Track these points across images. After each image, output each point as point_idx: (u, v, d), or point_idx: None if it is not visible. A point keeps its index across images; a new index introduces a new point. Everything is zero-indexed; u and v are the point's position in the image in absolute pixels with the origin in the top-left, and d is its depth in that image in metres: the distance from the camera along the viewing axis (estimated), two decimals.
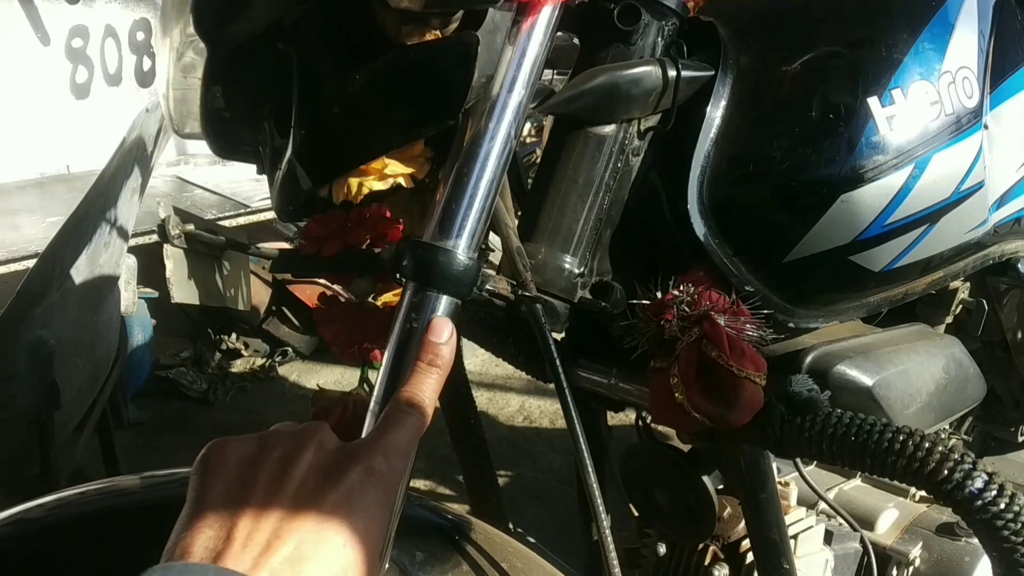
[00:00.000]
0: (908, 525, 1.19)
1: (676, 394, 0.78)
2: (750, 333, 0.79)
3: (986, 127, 0.88)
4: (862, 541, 1.15)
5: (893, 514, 1.20)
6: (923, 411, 0.93)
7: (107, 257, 1.54)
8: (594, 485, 0.74)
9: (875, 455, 0.75)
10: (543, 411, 2.94)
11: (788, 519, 1.06)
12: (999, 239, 1.01)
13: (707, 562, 1.04)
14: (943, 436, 1.17)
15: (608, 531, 0.75)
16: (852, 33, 0.83)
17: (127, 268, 1.76)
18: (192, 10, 0.67)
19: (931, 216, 0.85)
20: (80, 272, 1.45)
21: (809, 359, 0.88)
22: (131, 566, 0.69)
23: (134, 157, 1.48)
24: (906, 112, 0.81)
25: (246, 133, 0.76)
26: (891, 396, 0.89)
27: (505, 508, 1.23)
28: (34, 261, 2.22)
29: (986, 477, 0.73)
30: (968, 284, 1.08)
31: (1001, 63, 0.92)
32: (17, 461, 1.43)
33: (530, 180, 0.90)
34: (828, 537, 1.12)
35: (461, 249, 0.66)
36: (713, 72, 0.83)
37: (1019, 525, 0.72)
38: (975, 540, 1.11)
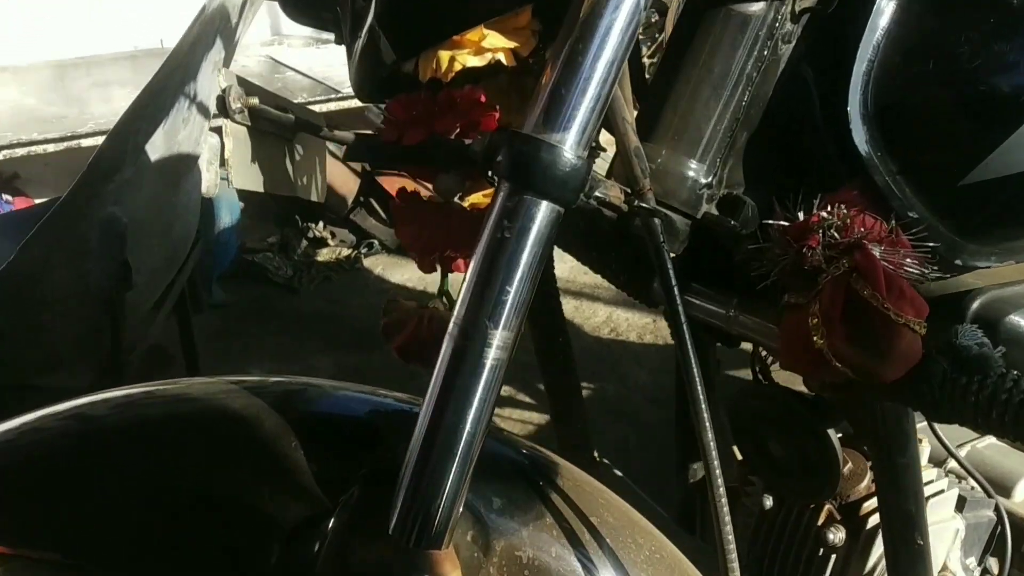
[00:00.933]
0: None
1: (815, 337, 0.66)
2: (911, 269, 0.65)
3: None
4: (996, 509, 1.01)
5: None
6: None
7: (186, 135, 1.45)
8: (707, 424, 0.62)
9: None
10: (631, 324, 2.84)
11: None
12: None
13: (820, 522, 0.93)
14: None
15: (720, 480, 0.64)
16: None
17: (209, 148, 1.68)
18: None
19: None
20: (156, 149, 1.37)
21: (976, 304, 0.73)
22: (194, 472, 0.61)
23: (216, 28, 1.38)
24: None
25: None
26: None
27: (590, 433, 1.14)
28: None
29: None
30: None
31: None
32: (90, 338, 1.40)
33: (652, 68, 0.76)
34: (960, 503, 0.98)
35: (568, 145, 0.53)
36: None
37: None
38: None
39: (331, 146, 1.38)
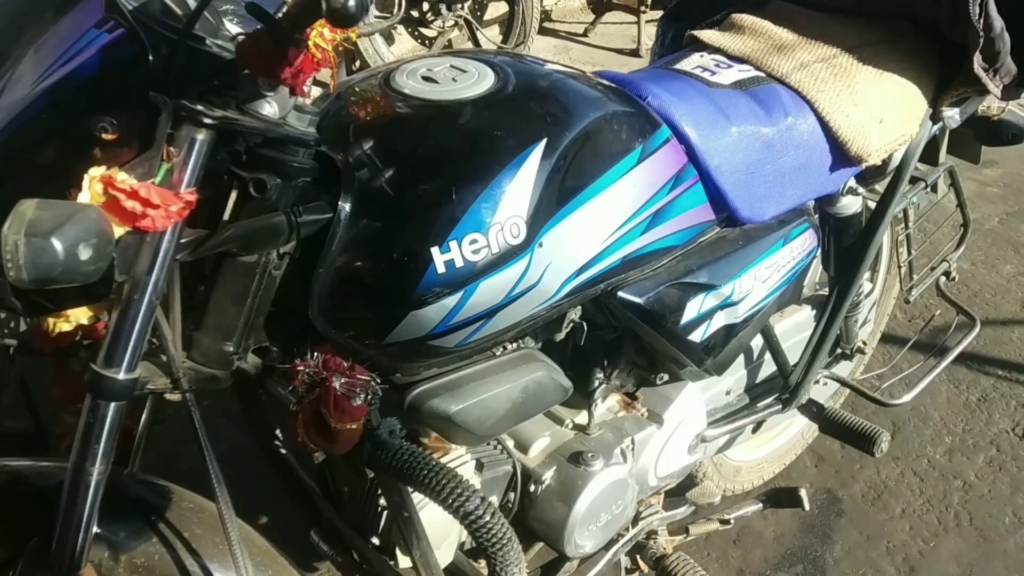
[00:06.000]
0: (553, 451, 1.63)
1: (299, 430, 1.20)
2: (360, 392, 1.19)
3: (541, 245, 1.22)
4: (514, 464, 1.59)
5: (545, 441, 1.64)
6: (500, 422, 1.35)
7: None
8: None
9: (417, 482, 1.18)
10: None
11: (447, 458, 1.49)
12: (590, 288, 1.36)
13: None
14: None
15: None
16: (431, 196, 1.16)
17: None
18: None
19: (487, 314, 1.20)
20: None
21: (411, 395, 1.28)
22: None
23: None
24: (459, 257, 1.15)
25: None
26: (470, 420, 1.29)
27: None
28: None
29: (477, 501, 1.17)
30: (580, 308, 1.45)
31: (568, 193, 1.25)
32: None
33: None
34: (480, 465, 1.55)
35: (122, 371, 1.02)
36: (331, 215, 1.15)
37: (493, 527, 1.16)
38: (593, 467, 1.56)
39: None
